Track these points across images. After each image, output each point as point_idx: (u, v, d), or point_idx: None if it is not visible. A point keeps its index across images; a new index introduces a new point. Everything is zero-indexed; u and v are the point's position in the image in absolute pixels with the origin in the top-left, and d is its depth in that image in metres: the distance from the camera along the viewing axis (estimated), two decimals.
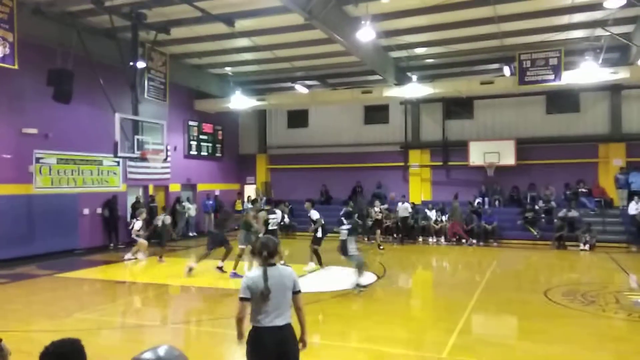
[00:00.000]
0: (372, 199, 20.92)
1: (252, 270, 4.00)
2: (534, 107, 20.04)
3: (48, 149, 14.61)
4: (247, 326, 3.87)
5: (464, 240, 17.69)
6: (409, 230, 18.37)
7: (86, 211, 15.77)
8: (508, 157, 19.40)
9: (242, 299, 3.82)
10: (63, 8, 13.12)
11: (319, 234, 12.64)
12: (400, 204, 18.36)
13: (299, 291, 4.01)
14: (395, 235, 18.66)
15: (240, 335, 3.90)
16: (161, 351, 1.83)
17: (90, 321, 7.96)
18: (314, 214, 12.83)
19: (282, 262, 12.24)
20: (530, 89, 17.48)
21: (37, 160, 14.34)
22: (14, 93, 13.62)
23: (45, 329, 7.28)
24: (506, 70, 17.48)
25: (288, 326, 3.88)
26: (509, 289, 10.80)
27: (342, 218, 10.62)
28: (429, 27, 14.78)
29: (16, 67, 11.57)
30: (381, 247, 16.41)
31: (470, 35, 15.40)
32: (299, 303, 4.01)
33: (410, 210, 18.41)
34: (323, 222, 12.70)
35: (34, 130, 14.15)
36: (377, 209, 17.80)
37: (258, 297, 3.78)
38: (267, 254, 3.91)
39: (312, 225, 12.80)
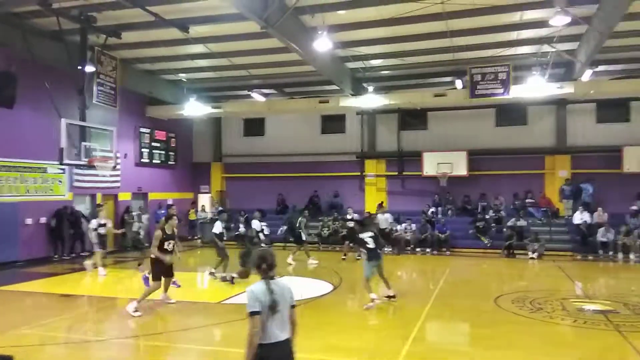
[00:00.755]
0: (329, 209, 20.99)
1: (255, 284, 3.80)
2: (484, 119, 20.67)
3: None
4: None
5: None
6: (389, 242, 17.55)
7: (29, 221, 14.99)
8: (460, 167, 19.90)
9: (254, 313, 3.62)
10: (7, 9, 12.51)
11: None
12: (380, 215, 17.57)
13: (295, 305, 3.90)
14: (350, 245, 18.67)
15: (252, 356, 3.61)
16: None
17: (34, 336, 7.53)
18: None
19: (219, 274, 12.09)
20: (481, 102, 18.05)
21: None
22: None
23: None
24: (458, 84, 18.00)
25: (290, 340, 3.78)
26: (462, 296, 10.99)
27: None
28: (384, 39, 15.03)
29: None
30: (344, 257, 16.08)
31: (424, 48, 15.76)
32: (294, 317, 3.89)
33: (390, 221, 18.02)
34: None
35: None
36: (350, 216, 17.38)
37: (265, 312, 3.63)
38: (266, 267, 3.78)
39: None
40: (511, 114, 20.28)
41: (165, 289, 9.62)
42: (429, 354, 6.92)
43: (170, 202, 21.38)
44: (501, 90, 16.53)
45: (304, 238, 15.74)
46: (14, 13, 12.95)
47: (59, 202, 15.95)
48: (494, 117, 20.67)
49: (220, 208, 20.87)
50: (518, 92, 16.75)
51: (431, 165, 20.21)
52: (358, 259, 15.17)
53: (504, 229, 17.94)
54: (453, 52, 16.18)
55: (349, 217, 17.59)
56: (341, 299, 10.93)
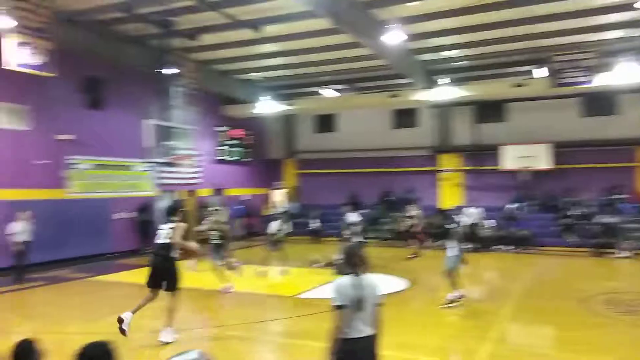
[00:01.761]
0: (403, 205, 20.65)
1: (342, 278, 3.84)
2: (568, 109, 19.47)
3: (81, 155, 14.95)
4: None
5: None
6: (476, 239, 16.96)
7: (118, 216, 16.05)
8: (543, 161, 18.88)
9: (339, 307, 3.66)
10: (95, 17, 13.42)
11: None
12: (468, 209, 17.30)
13: (381, 303, 3.91)
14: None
15: (336, 349, 3.67)
16: (192, 355, 1.79)
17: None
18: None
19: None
20: (565, 91, 17.00)
21: (71, 165, 14.68)
22: (49, 100, 13.97)
23: (78, 332, 7.36)
24: (540, 73, 17.06)
25: (374, 336, 3.80)
26: (546, 297, 10.44)
27: None
28: (458, 29, 14.54)
29: (54, 74, 11.86)
30: (412, 256, 15.49)
31: (501, 37, 15.08)
32: (379, 315, 3.89)
33: (480, 216, 17.33)
34: None
35: (68, 137, 14.50)
36: (412, 214, 16.48)
37: (352, 306, 3.67)
38: (355, 262, 3.82)
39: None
40: (598, 103, 18.93)
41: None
42: (510, 357, 6.63)
43: (246, 197, 22.08)
44: (587, 79, 15.49)
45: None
46: (101, 21, 13.86)
47: (145, 197, 16.93)
48: (579, 106, 19.41)
49: (282, 208, 20.99)
50: (605, 79, 15.60)
51: (511, 158, 19.32)
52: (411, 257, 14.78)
53: (592, 226, 16.82)
54: (533, 40, 15.36)
55: (411, 214, 16.55)
56: (417, 295, 10.75)
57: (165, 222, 7.49)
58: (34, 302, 10.54)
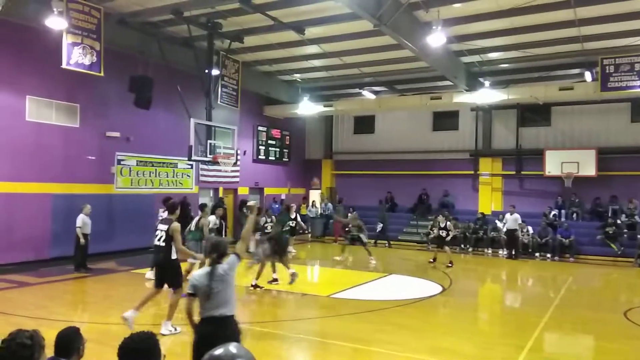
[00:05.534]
0: (440, 208, 20.50)
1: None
2: (617, 114, 18.80)
3: (129, 152, 15.54)
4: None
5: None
6: (518, 244, 16.91)
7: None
8: (588, 167, 18.28)
9: None
10: (145, 18, 13.90)
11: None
12: (508, 214, 17.04)
13: None
14: (462, 246, 18.12)
15: None
16: (232, 348, 1.90)
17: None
18: None
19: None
20: (614, 96, 16.42)
21: (119, 162, 15.29)
22: (99, 99, 14.59)
23: (122, 323, 7.68)
24: (587, 76, 16.54)
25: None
26: (586, 307, 10.17)
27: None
28: (503, 31, 14.28)
29: (102, 74, 12.39)
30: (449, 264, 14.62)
31: (548, 39, 14.72)
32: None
33: (520, 222, 16.96)
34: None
35: (116, 134, 15.10)
36: (443, 224, 15.23)
37: None
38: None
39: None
40: None
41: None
42: None
43: (283, 197, 22.33)
44: (638, 83, 14.90)
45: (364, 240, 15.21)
46: (150, 22, 14.35)
47: (188, 194, 17.41)
48: (629, 111, 18.67)
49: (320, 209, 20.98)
50: None
51: (554, 164, 18.80)
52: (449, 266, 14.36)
53: (638, 236, 16.19)
54: (581, 42, 14.92)
55: (443, 225, 15.21)
56: (451, 301, 10.65)
57: (162, 222, 7.75)
58: (81, 292, 11.04)
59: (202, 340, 3.99)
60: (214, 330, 4.09)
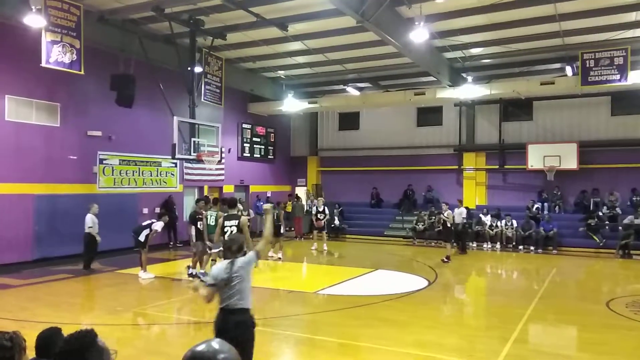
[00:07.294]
0: (425, 204, 20.66)
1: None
2: (597, 108, 19.09)
3: (111, 151, 15.35)
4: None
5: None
6: (462, 237, 16.85)
7: (145, 210, 16.41)
8: (570, 160, 18.54)
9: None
10: (125, 15, 13.71)
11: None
12: (456, 208, 16.75)
13: None
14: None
15: None
16: (215, 344, 1.87)
17: (148, 316, 8.26)
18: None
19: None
20: (594, 90, 16.67)
21: (101, 161, 15.10)
22: (79, 97, 14.38)
23: (105, 323, 7.61)
24: (568, 70, 16.75)
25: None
26: (569, 298, 10.33)
27: None
28: (485, 26, 14.38)
29: (82, 72, 12.20)
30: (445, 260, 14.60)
31: (529, 34, 14.85)
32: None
33: (464, 215, 16.89)
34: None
35: (98, 133, 14.90)
36: (445, 214, 15.26)
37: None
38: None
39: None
40: (629, 102, 18.45)
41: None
42: (531, 357, 6.60)
43: (269, 194, 22.29)
44: (617, 77, 15.11)
45: (281, 231, 15.21)
46: (131, 19, 14.16)
47: (171, 193, 17.27)
48: (609, 105, 18.99)
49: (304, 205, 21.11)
50: (637, 78, 15.23)
51: (537, 158, 19.04)
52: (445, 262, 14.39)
53: (619, 227, 16.48)
54: (562, 37, 15.09)
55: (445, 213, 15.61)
56: (437, 294, 10.74)
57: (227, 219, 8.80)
58: (65, 293, 10.89)
59: (220, 329, 4.32)
60: (230, 319, 4.39)
